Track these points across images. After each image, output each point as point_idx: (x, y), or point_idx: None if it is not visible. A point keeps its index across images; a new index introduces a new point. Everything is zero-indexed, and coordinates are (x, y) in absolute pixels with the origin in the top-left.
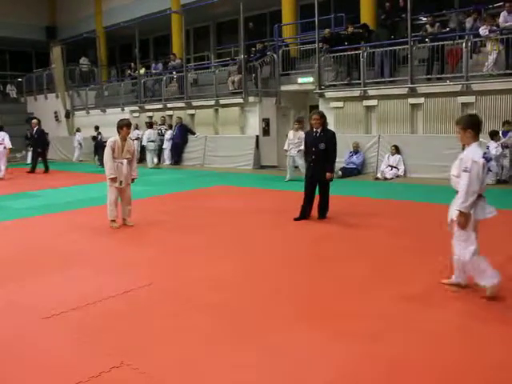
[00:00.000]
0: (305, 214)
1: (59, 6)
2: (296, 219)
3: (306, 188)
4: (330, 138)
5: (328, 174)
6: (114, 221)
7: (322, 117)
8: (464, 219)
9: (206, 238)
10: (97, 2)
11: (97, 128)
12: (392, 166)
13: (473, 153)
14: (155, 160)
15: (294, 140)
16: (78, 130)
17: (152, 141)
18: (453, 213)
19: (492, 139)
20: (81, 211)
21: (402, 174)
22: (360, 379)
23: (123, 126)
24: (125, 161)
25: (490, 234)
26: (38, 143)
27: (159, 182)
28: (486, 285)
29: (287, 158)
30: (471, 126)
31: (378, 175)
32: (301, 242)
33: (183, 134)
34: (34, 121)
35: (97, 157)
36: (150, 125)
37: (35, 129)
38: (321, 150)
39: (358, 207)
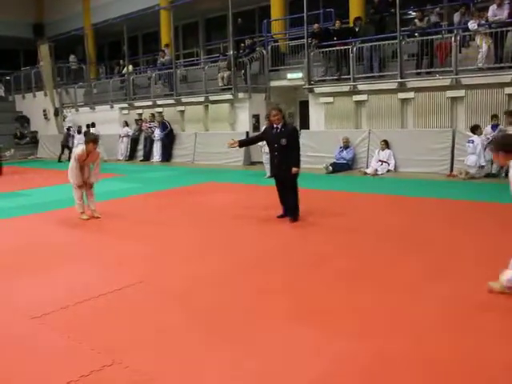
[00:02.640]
0: (285, 212)
1: (47, 3)
2: (279, 217)
3: (276, 186)
4: (291, 133)
5: (294, 169)
6: (83, 213)
7: (281, 112)
8: None
9: (196, 235)
10: None
11: (68, 129)
12: (382, 161)
13: None
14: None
15: None
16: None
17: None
18: None
19: (474, 133)
20: (69, 209)
21: (392, 169)
22: (348, 376)
23: (90, 142)
24: (86, 167)
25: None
26: None
27: (149, 180)
28: None
29: (263, 155)
30: (500, 147)
31: (367, 170)
32: (289, 238)
33: (164, 130)
34: None
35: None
36: (92, 124)
37: None
38: (282, 145)
39: (346, 202)
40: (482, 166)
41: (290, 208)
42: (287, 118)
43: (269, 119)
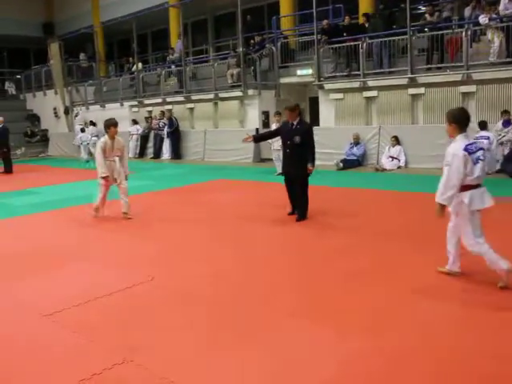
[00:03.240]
0: (294, 209)
1: (56, 1)
2: (290, 214)
3: (285, 184)
4: (306, 131)
5: (310, 167)
6: (97, 210)
7: (296, 108)
8: (440, 210)
9: (206, 233)
10: None
11: (92, 123)
12: (393, 157)
13: (454, 146)
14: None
15: None
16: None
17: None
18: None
19: (482, 130)
20: (80, 207)
21: (403, 165)
22: (360, 374)
23: (110, 126)
24: (116, 158)
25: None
26: (2, 142)
27: (159, 177)
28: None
29: (272, 152)
30: (454, 120)
31: (378, 166)
32: (298, 236)
33: (171, 127)
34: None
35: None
36: (91, 122)
37: None
38: (296, 143)
39: (356, 199)
40: (497, 161)
41: (299, 206)
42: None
43: (288, 115)
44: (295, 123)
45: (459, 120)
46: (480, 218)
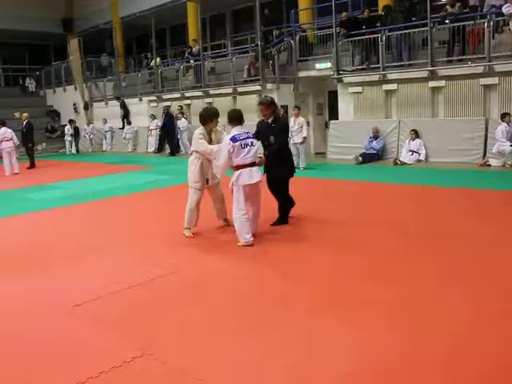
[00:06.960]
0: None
1: None
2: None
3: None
4: (280, 129)
5: (260, 156)
6: (188, 228)
7: (270, 104)
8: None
9: (222, 227)
10: None
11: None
12: (413, 151)
13: (229, 135)
14: (73, 150)
15: (295, 126)
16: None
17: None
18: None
19: (502, 121)
20: (102, 201)
21: (423, 159)
22: (380, 367)
23: (212, 118)
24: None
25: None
26: (27, 138)
27: (176, 172)
28: (241, 241)
29: (291, 147)
30: (229, 118)
31: (398, 160)
32: (320, 231)
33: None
34: (25, 114)
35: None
36: (70, 121)
37: (24, 123)
38: (271, 144)
39: (374, 193)
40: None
41: (279, 209)
42: (281, 111)
43: (262, 110)
44: (270, 121)
45: (232, 118)
46: (248, 192)
